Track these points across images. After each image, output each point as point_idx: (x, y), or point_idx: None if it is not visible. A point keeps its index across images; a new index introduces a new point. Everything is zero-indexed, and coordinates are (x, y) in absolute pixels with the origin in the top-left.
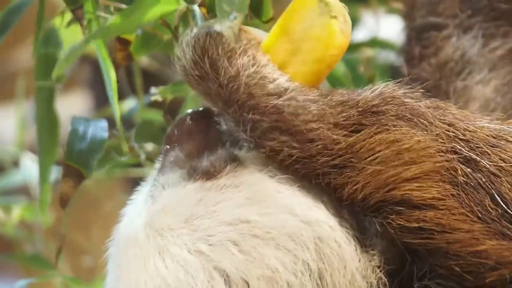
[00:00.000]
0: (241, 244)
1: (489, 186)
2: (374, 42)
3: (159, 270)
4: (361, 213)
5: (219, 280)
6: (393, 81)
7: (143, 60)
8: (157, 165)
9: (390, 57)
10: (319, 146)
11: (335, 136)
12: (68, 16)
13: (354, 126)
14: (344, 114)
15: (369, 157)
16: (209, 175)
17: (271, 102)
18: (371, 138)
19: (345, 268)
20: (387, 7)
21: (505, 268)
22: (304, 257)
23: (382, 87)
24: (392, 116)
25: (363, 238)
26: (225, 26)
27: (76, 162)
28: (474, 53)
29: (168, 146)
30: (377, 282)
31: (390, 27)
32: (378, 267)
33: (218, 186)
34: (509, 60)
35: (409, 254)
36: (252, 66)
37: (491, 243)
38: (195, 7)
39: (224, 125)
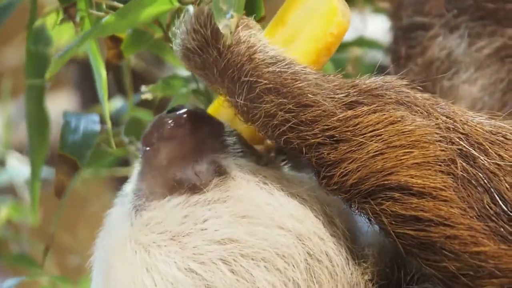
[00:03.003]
0: (231, 264)
1: (488, 184)
2: (362, 42)
3: (148, 287)
4: (350, 200)
5: None
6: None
7: (130, 59)
8: (137, 165)
9: (378, 56)
10: (315, 113)
11: (331, 107)
12: (59, 14)
13: (351, 103)
14: (343, 91)
15: (367, 133)
16: (195, 189)
17: (271, 67)
18: (370, 115)
19: (336, 286)
20: (373, 7)
21: (504, 277)
22: (294, 277)
23: (381, 77)
24: (391, 99)
25: (355, 248)
26: (222, 24)
27: (69, 153)
28: (460, 52)
29: (147, 148)
30: None
31: (377, 27)
32: (371, 280)
33: (205, 201)
34: (495, 59)
35: (399, 252)
36: (253, 37)
37: (491, 245)
38: (190, 7)
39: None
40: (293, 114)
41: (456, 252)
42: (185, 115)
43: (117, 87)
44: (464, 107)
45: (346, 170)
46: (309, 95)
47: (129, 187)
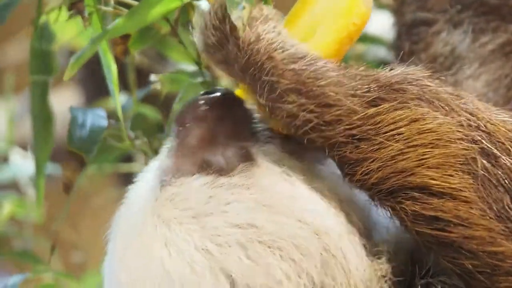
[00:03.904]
0: (248, 249)
1: (508, 185)
2: (365, 38)
3: (164, 262)
4: (372, 196)
5: (225, 283)
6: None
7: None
8: (168, 144)
9: (381, 52)
10: (337, 112)
11: (353, 106)
12: (64, 11)
13: (373, 99)
14: (364, 86)
15: (388, 131)
16: (222, 171)
17: (291, 65)
18: (391, 112)
19: (348, 282)
20: (377, 3)
21: None
22: (309, 269)
23: (403, 68)
24: (413, 95)
25: (370, 244)
26: (234, 16)
27: (77, 148)
28: (464, 48)
29: (179, 127)
30: None
31: (380, 23)
32: (384, 277)
33: (230, 185)
34: (499, 55)
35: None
36: (273, 32)
37: (509, 245)
38: (202, 2)
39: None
40: (315, 114)
41: (474, 251)
42: (218, 98)
43: (121, 83)
44: None
45: (367, 169)
46: (331, 94)
47: (155, 164)
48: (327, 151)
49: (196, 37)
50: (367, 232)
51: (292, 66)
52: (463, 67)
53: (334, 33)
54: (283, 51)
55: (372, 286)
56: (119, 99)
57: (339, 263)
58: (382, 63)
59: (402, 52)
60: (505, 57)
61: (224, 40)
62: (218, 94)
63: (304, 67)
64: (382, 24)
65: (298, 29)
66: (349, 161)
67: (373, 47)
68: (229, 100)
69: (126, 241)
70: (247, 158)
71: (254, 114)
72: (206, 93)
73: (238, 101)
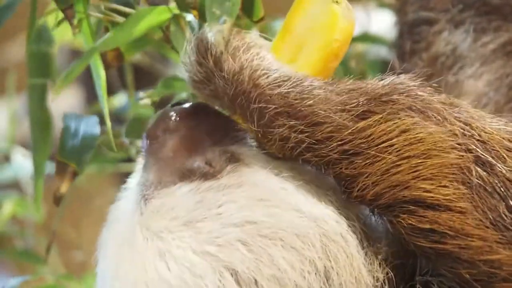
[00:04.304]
0: (249, 244)
1: (504, 192)
2: (365, 37)
3: (160, 273)
4: (370, 210)
5: (230, 279)
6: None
7: (135, 56)
8: (140, 161)
9: (381, 52)
10: (328, 129)
11: (343, 121)
12: (60, 14)
13: (362, 112)
14: (353, 101)
15: (380, 144)
16: (207, 175)
17: (276, 89)
18: (381, 124)
19: (351, 265)
20: (378, 2)
21: None
22: (311, 256)
23: (392, 78)
24: (403, 105)
25: (370, 231)
26: (214, 30)
27: (68, 159)
28: (465, 47)
29: (152, 141)
30: (383, 276)
31: (381, 22)
32: (385, 260)
33: (220, 186)
34: (501, 54)
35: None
36: (256, 60)
37: (505, 253)
38: (188, 15)
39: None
40: (306, 134)
41: (471, 261)
42: (190, 108)
43: (121, 83)
44: (469, 102)
45: (364, 185)
46: (319, 112)
47: (133, 182)
48: (323, 169)
49: (185, 76)
50: (364, 218)
51: (278, 90)
52: (465, 66)
53: (318, 51)
54: (267, 77)
55: (373, 269)
56: (107, 107)
57: (340, 247)
58: (383, 63)
59: (403, 52)
60: (506, 56)
61: (211, 75)
62: (187, 105)
63: (290, 89)
64: (384, 23)
65: (284, 52)
66: (346, 178)
67: (374, 47)
68: (202, 109)
69: (117, 259)
70: (234, 159)
71: (231, 121)
72: (176, 104)
73: (211, 110)
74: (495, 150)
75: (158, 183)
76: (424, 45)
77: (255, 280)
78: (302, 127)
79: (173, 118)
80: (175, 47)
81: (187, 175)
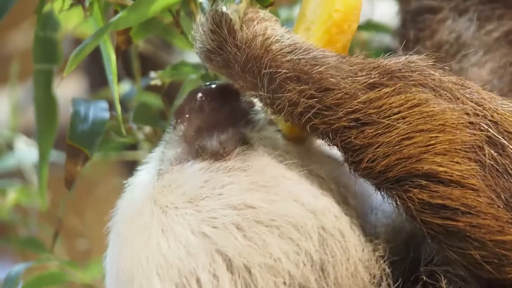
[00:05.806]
0: (245, 229)
1: None
2: (369, 26)
3: (161, 248)
4: (378, 185)
5: (221, 264)
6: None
7: (139, 44)
8: (166, 137)
9: (385, 40)
10: (338, 95)
11: (353, 89)
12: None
13: (374, 84)
14: (364, 72)
15: (392, 115)
16: (217, 156)
17: (288, 55)
18: (392, 97)
19: (348, 260)
20: None
21: None
22: (307, 247)
23: (406, 56)
24: (416, 81)
25: (367, 226)
26: (230, 9)
27: (79, 143)
28: (469, 35)
29: (178, 120)
30: (380, 273)
31: (385, 10)
32: (382, 257)
33: (226, 168)
34: (504, 43)
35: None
36: (269, 29)
37: None
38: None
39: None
40: (315, 99)
41: (481, 240)
42: (215, 90)
43: (125, 71)
44: None
45: (374, 155)
46: (329, 78)
47: (154, 155)
48: (331, 137)
49: (196, 47)
50: (364, 214)
51: (290, 56)
52: (468, 54)
53: (322, 25)
54: (279, 43)
55: (371, 266)
56: (117, 91)
57: (338, 241)
58: (386, 51)
59: (406, 40)
60: (510, 44)
61: (223, 43)
62: (214, 86)
63: (301, 56)
64: (387, 11)
65: (300, 31)
66: (354, 147)
67: (378, 35)
68: (226, 92)
69: (126, 229)
70: (243, 142)
71: (251, 105)
72: (204, 85)
73: (235, 93)
74: (507, 131)
75: (174, 159)
76: (428, 33)
77: (247, 267)
78: (311, 91)
79: (199, 98)
80: (184, 31)
81: (200, 153)
